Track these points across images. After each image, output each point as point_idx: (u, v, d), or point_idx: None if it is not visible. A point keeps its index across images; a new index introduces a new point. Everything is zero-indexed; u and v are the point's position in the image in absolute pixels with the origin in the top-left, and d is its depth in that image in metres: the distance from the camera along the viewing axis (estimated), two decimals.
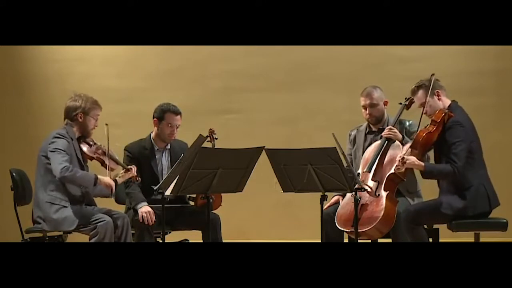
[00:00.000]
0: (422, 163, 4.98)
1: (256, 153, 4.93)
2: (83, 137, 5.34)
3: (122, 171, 5.38)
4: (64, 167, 5.07)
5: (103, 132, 5.29)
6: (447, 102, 5.13)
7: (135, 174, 5.38)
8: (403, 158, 4.95)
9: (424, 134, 4.98)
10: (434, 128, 4.99)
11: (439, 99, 5.11)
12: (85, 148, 5.30)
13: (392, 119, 5.40)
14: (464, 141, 4.97)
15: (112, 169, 5.34)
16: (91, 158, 5.34)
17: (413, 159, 4.96)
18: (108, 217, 5.15)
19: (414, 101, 5.30)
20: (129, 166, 5.38)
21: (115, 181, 5.33)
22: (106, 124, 5.25)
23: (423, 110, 5.08)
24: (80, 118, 5.30)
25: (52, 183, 5.19)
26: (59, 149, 5.14)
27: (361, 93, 5.46)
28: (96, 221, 5.12)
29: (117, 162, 5.38)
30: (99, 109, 5.36)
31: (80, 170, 5.21)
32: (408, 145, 5.05)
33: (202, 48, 7.28)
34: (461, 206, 4.97)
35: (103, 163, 5.32)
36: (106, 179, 5.23)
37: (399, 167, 4.99)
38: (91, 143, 5.34)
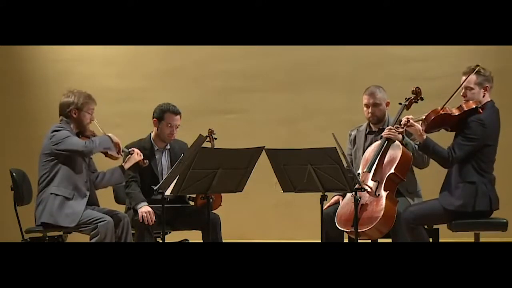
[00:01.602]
0: (424, 136, 4.97)
1: (256, 153, 4.93)
2: (81, 132, 5.34)
3: (127, 157, 5.40)
4: (85, 142, 5.16)
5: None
6: (488, 99, 5.09)
7: (141, 157, 5.40)
8: (408, 120, 4.95)
9: (442, 112, 4.95)
10: (457, 114, 4.97)
11: (483, 95, 5.08)
12: None
13: (392, 119, 5.40)
14: (476, 140, 4.95)
15: (116, 158, 5.36)
16: None
17: (418, 127, 4.96)
18: (108, 217, 5.16)
19: (414, 101, 5.31)
20: (131, 149, 5.40)
21: (122, 167, 5.39)
22: (96, 121, 5.33)
23: (459, 88, 5.04)
24: (75, 114, 5.29)
25: (57, 176, 5.21)
26: (65, 137, 5.16)
27: (364, 92, 5.46)
28: (97, 221, 5.12)
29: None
30: (93, 103, 5.35)
31: (94, 138, 5.25)
32: (423, 116, 5.04)
33: (202, 48, 7.29)
34: (460, 203, 4.97)
35: (106, 154, 5.32)
36: (114, 136, 5.28)
37: (398, 126, 5.01)
38: (90, 136, 5.34)
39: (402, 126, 5.03)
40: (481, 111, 5.00)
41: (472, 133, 4.96)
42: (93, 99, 5.36)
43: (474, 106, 4.99)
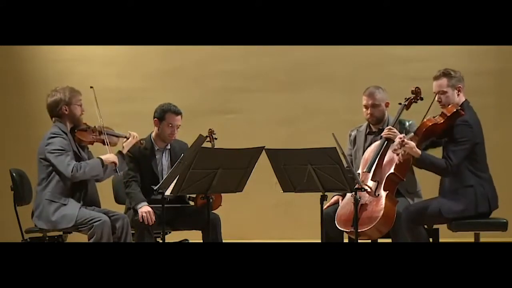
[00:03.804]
0: (419, 151, 4.96)
1: (256, 153, 4.93)
2: (76, 126, 5.34)
3: (124, 141, 5.40)
4: (73, 167, 5.11)
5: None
6: (463, 99, 5.12)
7: (138, 138, 5.41)
8: (403, 140, 4.94)
9: (430, 124, 4.97)
10: (442, 121, 4.98)
11: (457, 95, 5.10)
12: (82, 136, 5.30)
13: (392, 119, 5.40)
14: (467, 142, 4.96)
15: (114, 144, 5.37)
16: (92, 142, 5.35)
17: (412, 144, 4.95)
18: (105, 217, 5.14)
19: (414, 100, 5.31)
20: (128, 133, 5.40)
21: (121, 152, 5.36)
22: (91, 87, 5.25)
23: (435, 97, 5.07)
24: (66, 110, 5.29)
25: (52, 182, 5.20)
26: (58, 149, 5.14)
27: (364, 92, 5.46)
28: (92, 221, 5.11)
29: (116, 136, 5.40)
30: (79, 94, 5.35)
31: (86, 161, 5.22)
32: (412, 133, 5.04)
33: (202, 48, 7.29)
34: (460, 208, 4.97)
35: (103, 142, 5.33)
36: (109, 156, 5.24)
37: (396, 148, 5.00)
38: (85, 128, 5.34)
39: (399, 146, 4.99)
40: (463, 112, 5.00)
41: (462, 136, 4.96)
42: (78, 91, 5.36)
43: (455, 110, 5.00)
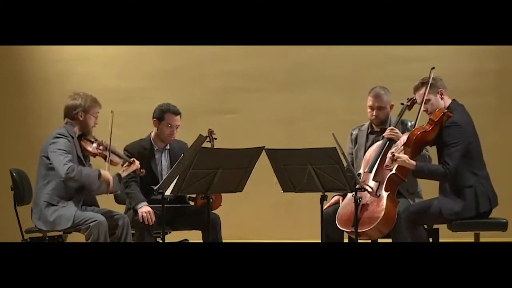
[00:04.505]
0: (413, 162, 4.94)
1: (256, 153, 4.93)
2: (84, 134, 5.34)
3: (125, 164, 5.40)
4: (69, 167, 5.09)
5: (105, 127, 5.30)
6: (448, 101, 5.11)
7: (138, 166, 5.40)
8: (393, 155, 4.93)
9: (418, 133, 4.95)
10: (431, 128, 4.97)
11: (441, 98, 5.09)
12: (87, 145, 5.30)
13: (394, 120, 5.39)
14: (460, 143, 4.94)
15: (115, 164, 5.36)
16: (94, 155, 5.35)
17: (404, 157, 4.93)
18: (101, 217, 5.13)
19: (416, 101, 5.30)
20: (132, 159, 5.40)
21: (119, 175, 5.35)
22: (112, 112, 5.26)
23: (421, 106, 5.07)
24: (81, 116, 5.30)
25: (51, 183, 5.19)
26: (60, 149, 5.14)
27: (370, 93, 5.43)
28: (88, 221, 5.11)
29: (119, 156, 5.39)
30: (98, 107, 5.37)
31: (85, 167, 5.21)
32: (402, 142, 5.03)
33: (202, 48, 7.29)
34: (461, 209, 4.97)
35: (105, 158, 5.32)
36: (107, 173, 5.22)
37: (389, 164, 4.98)
38: (92, 140, 5.35)
39: (391, 162, 4.98)
40: (450, 114, 4.99)
41: (454, 138, 4.94)
42: (99, 103, 5.38)
43: (442, 114, 4.99)
